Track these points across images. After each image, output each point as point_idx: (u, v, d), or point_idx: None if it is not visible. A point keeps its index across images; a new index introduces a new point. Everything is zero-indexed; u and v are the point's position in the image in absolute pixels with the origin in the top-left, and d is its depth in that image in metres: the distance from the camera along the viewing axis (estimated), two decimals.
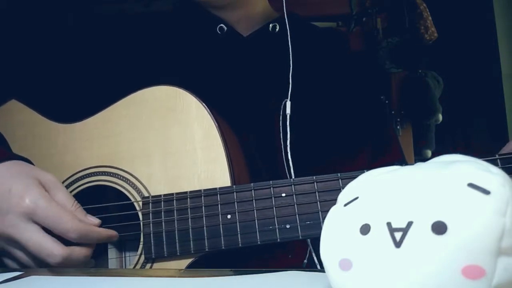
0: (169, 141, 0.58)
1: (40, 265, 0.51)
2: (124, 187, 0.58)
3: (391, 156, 0.77)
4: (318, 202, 0.52)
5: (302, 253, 0.64)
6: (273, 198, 0.53)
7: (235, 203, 0.53)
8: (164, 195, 0.56)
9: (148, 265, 0.55)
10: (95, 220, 0.54)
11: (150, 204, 0.56)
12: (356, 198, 0.28)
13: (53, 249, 0.50)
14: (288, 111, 0.65)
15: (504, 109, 2.00)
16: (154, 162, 0.58)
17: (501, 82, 2.03)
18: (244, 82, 0.71)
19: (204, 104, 0.58)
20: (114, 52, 0.73)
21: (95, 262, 0.57)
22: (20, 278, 0.42)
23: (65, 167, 0.61)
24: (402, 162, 0.76)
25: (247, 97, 0.70)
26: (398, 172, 0.29)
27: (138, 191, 0.57)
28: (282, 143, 0.65)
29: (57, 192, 0.53)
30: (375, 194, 0.28)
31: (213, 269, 0.44)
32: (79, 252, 0.52)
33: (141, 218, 0.56)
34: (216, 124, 0.57)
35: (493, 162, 0.49)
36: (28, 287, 0.40)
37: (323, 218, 0.51)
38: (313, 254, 0.61)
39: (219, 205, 0.54)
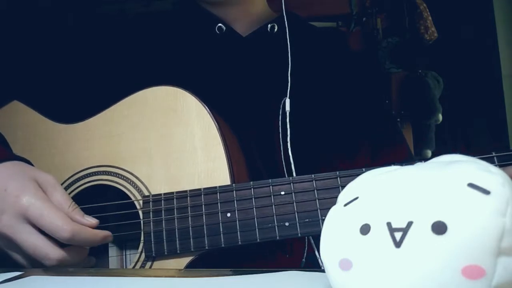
0: (170, 140, 0.58)
1: (37, 265, 0.51)
2: (125, 186, 0.58)
3: (398, 154, 0.76)
4: (317, 200, 0.52)
5: (301, 253, 0.64)
6: (272, 196, 0.53)
7: (235, 201, 0.53)
8: (164, 194, 0.56)
9: (149, 263, 0.55)
10: (93, 220, 0.53)
11: (151, 203, 0.56)
12: (356, 198, 0.29)
13: (49, 252, 0.49)
14: (287, 108, 0.65)
15: (504, 109, 1.99)
16: (154, 161, 0.58)
17: (501, 83, 2.02)
18: (243, 82, 0.71)
19: (204, 104, 0.58)
20: (114, 52, 0.73)
21: (96, 261, 0.57)
22: (20, 278, 0.42)
23: (66, 167, 0.61)
24: (410, 159, 0.75)
25: (246, 97, 0.70)
26: (398, 172, 0.29)
27: (139, 190, 0.57)
28: (281, 142, 0.65)
29: (55, 192, 0.53)
30: (375, 194, 0.28)
31: (213, 269, 0.44)
32: (75, 253, 0.51)
33: (141, 217, 0.56)
34: (216, 124, 0.57)
35: (490, 160, 0.49)
36: (28, 287, 0.40)
37: (322, 216, 0.51)
38: (316, 251, 0.61)
39: (218, 204, 0.54)
